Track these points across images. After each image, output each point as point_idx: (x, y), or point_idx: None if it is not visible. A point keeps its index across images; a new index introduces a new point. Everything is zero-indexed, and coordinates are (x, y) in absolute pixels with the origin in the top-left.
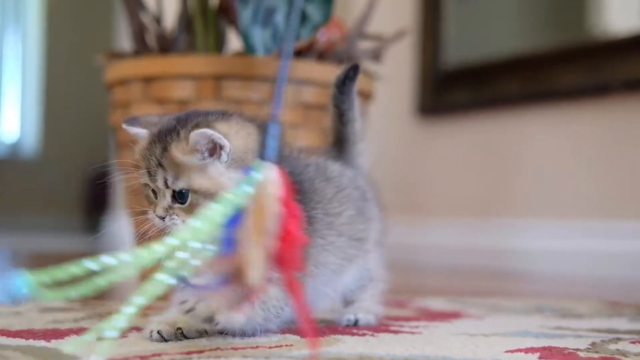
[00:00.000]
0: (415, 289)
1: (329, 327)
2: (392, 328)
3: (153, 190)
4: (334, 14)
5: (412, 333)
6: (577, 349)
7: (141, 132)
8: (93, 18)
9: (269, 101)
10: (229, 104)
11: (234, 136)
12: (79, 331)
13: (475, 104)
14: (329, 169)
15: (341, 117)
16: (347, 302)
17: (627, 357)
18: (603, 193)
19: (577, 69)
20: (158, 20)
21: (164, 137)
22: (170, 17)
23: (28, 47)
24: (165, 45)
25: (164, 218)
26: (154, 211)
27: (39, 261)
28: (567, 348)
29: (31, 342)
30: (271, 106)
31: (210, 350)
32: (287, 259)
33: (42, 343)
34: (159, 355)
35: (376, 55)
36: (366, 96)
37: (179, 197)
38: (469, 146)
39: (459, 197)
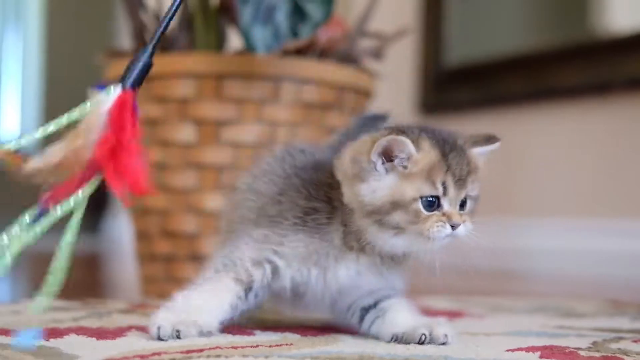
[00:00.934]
0: (416, 288)
1: (329, 326)
2: None
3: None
4: (335, 12)
5: None
6: (579, 348)
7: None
8: (93, 16)
9: (269, 99)
10: (229, 103)
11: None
12: (78, 330)
13: (477, 102)
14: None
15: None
16: None
17: (628, 355)
18: (606, 191)
19: (579, 67)
20: (158, 18)
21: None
22: None
23: (28, 45)
24: (166, 44)
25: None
26: (448, 222)
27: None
28: (568, 347)
29: None
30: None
31: (210, 349)
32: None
33: (41, 342)
34: (159, 354)
35: (377, 54)
36: (367, 95)
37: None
38: None
39: None
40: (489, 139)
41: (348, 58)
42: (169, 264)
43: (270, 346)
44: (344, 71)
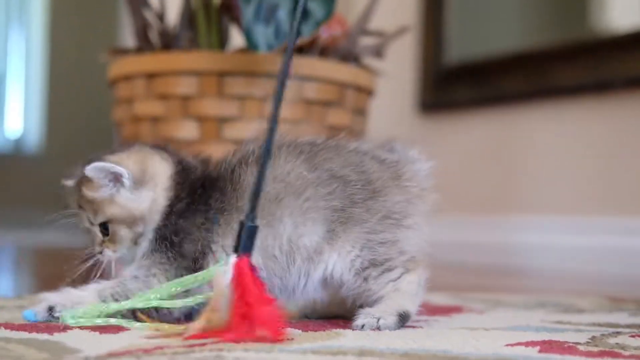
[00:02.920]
0: None
1: (329, 322)
2: None
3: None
4: (336, 11)
5: (413, 327)
6: (577, 343)
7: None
8: (96, 14)
9: (271, 97)
10: (231, 100)
11: (127, 161)
12: (82, 325)
13: (478, 100)
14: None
15: None
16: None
17: (626, 350)
18: (605, 189)
19: (579, 66)
20: (161, 16)
21: (78, 181)
22: (173, 13)
23: (32, 43)
24: (168, 42)
25: (101, 253)
26: (94, 249)
27: (42, 257)
28: (567, 342)
29: (35, 335)
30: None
31: (213, 343)
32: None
33: (45, 336)
34: (162, 348)
35: (378, 52)
36: (368, 92)
37: (105, 230)
38: (471, 143)
39: (461, 193)
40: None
41: (349, 56)
42: None
43: (272, 341)
44: (345, 69)
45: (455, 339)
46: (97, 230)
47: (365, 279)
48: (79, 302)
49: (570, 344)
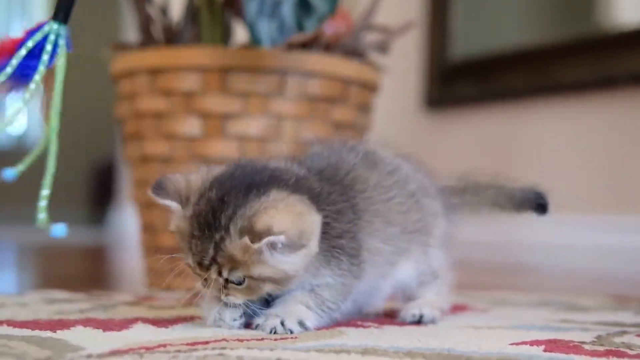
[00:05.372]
0: None
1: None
2: (396, 320)
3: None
4: (340, 6)
5: (417, 325)
6: (583, 342)
7: (173, 205)
8: (99, 9)
9: (275, 93)
10: (234, 96)
11: (282, 223)
12: (84, 322)
13: (482, 96)
14: (378, 155)
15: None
16: (409, 299)
17: (632, 349)
18: (609, 187)
19: (584, 62)
20: (164, 11)
21: (212, 231)
22: (177, 8)
23: None
24: (171, 37)
25: (218, 296)
26: (205, 287)
27: (44, 253)
28: (572, 341)
29: (37, 332)
30: None
31: (216, 341)
32: None
33: (47, 333)
34: (165, 346)
35: (383, 48)
36: (373, 88)
37: (235, 280)
38: (475, 139)
39: None
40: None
41: (353, 52)
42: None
43: (275, 339)
44: (350, 65)
45: (459, 338)
46: (221, 280)
47: (421, 284)
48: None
49: (576, 343)
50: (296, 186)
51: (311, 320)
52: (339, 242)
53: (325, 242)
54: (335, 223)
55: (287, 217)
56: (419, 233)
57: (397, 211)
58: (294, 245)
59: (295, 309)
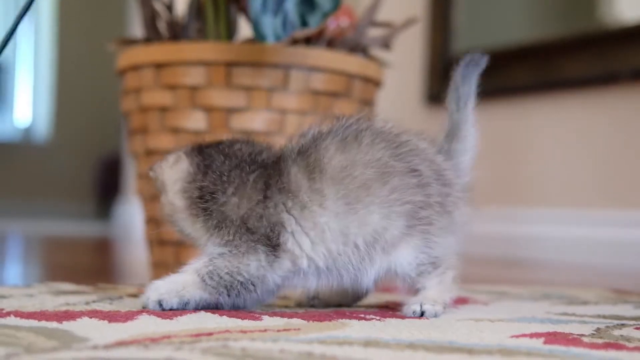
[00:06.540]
0: None
1: (336, 312)
2: (398, 313)
3: None
4: (344, 2)
5: (419, 318)
6: (582, 335)
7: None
8: (105, 4)
9: (279, 88)
10: (238, 91)
11: (159, 169)
12: (90, 313)
13: (484, 92)
14: (374, 131)
15: (458, 101)
16: (413, 291)
17: (630, 342)
18: (611, 182)
19: (587, 57)
20: (169, 7)
21: None
22: (182, 4)
23: (41, 32)
24: (177, 32)
25: None
26: None
27: (50, 246)
28: (571, 333)
29: (44, 323)
30: None
31: (219, 332)
32: None
33: (54, 324)
34: (169, 337)
35: (386, 43)
36: (376, 84)
37: None
38: (478, 134)
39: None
40: None
41: (356, 47)
42: (179, 249)
43: (278, 330)
44: (353, 60)
45: (460, 330)
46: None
47: (421, 274)
48: (182, 288)
49: (575, 336)
50: (195, 152)
51: (191, 294)
52: (224, 214)
53: (213, 209)
54: (221, 195)
55: (163, 165)
56: (415, 217)
57: (369, 187)
58: (158, 188)
59: (180, 279)
